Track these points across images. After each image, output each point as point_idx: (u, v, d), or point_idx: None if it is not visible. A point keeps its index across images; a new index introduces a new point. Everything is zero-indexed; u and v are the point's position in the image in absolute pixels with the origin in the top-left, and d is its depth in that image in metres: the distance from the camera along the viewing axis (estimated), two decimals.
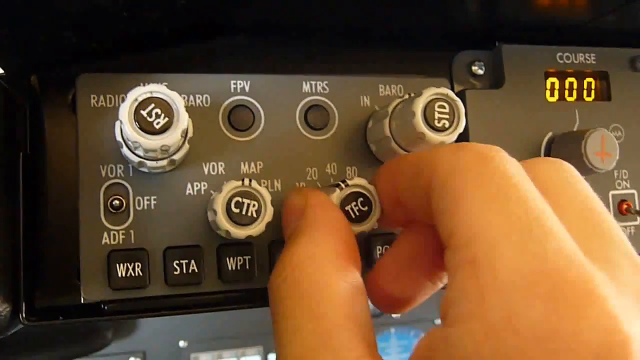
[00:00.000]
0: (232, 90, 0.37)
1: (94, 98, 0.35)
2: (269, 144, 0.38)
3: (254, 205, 0.32)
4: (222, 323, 0.86)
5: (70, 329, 0.73)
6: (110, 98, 0.35)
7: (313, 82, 0.39)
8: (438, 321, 0.84)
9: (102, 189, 0.35)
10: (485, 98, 0.43)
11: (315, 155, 0.38)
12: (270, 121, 0.38)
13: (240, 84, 0.38)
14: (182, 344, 0.85)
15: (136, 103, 0.30)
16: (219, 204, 0.32)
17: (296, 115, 0.39)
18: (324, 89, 0.39)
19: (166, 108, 0.30)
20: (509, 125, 0.44)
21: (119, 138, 0.32)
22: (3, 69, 0.37)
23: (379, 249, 0.38)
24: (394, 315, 0.89)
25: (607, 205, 0.46)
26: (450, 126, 0.34)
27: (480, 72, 0.45)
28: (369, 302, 0.28)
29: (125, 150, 0.32)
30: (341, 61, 0.43)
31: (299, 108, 0.39)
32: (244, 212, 0.32)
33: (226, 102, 0.37)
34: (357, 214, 0.34)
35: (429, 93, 0.33)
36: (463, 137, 0.43)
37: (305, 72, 0.39)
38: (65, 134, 0.37)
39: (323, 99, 0.39)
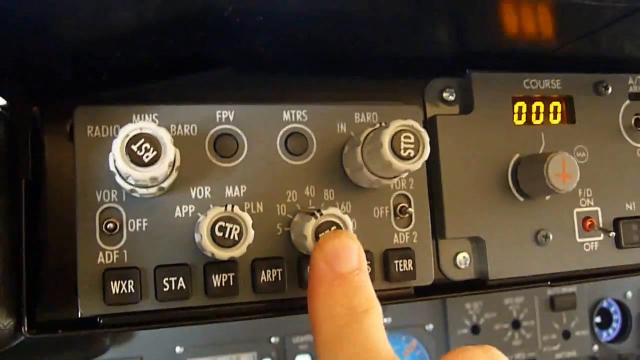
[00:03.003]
0: (218, 119, 0.41)
1: (90, 128, 0.38)
2: (252, 169, 0.41)
3: (236, 229, 0.35)
4: (217, 330, 0.88)
5: (69, 336, 0.76)
6: (105, 128, 0.39)
7: (293, 111, 0.42)
8: (429, 326, 0.87)
9: (98, 212, 0.38)
10: (455, 123, 0.46)
11: (295, 179, 0.42)
12: (253, 148, 0.41)
13: (225, 113, 0.41)
14: (178, 349, 0.87)
15: (127, 138, 0.33)
16: (204, 228, 0.35)
17: (277, 142, 0.42)
18: (302, 117, 0.42)
19: (155, 143, 0.33)
20: (477, 149, 0.47)
21: (112, 168, 0.35)
22: (6, 100, 0.40)
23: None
24: (385, 321, 0.91)
25: (572, 223, 0.49)
26: (415, 155, 0.37)
27: (451, 98, 0.48)
28: None
29: (118, 178, 0.35)
30: (320, 90, 0.45)
31: (280, 135, 0.42)
32: (227, 236, 0.35)
33: (212, 131, 0.40)
34: None
35: (395, 125, 0.36)
36: (434, 161, 0.46)
37: (286, 101, 0.42)
38: (64, 161, 0.40)
39: (302, 126, 0.42)
